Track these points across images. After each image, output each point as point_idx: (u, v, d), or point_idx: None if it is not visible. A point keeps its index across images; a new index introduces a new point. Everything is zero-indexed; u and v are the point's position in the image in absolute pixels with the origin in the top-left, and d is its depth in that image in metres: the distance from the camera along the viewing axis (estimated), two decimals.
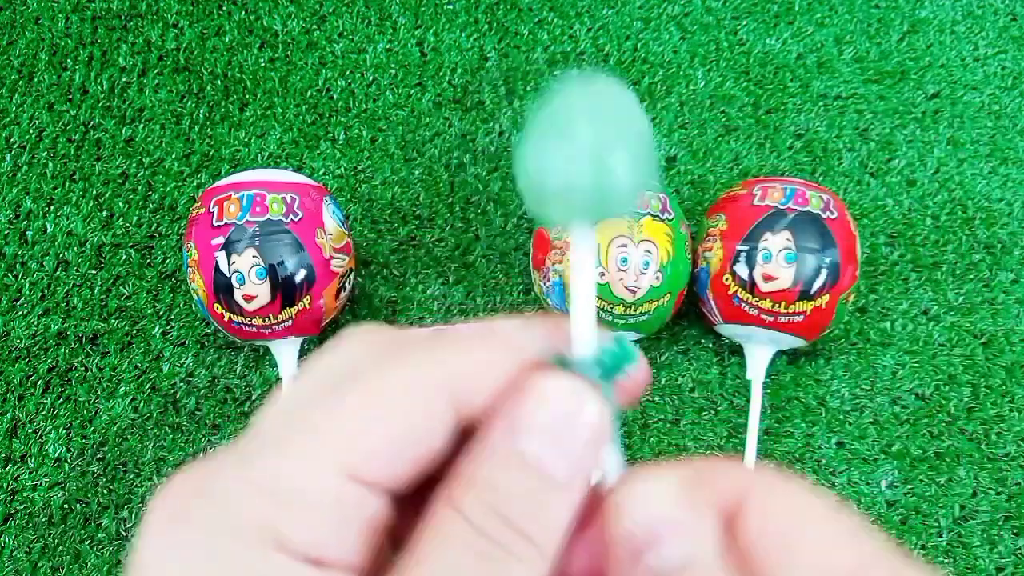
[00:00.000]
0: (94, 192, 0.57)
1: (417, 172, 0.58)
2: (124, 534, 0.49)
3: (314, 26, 0.63)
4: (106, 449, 0.51)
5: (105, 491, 0.50)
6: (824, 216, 0.47)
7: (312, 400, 0.16)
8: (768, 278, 0.46)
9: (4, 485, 0.50)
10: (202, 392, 0.52)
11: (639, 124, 0.17)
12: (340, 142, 0.59)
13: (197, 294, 0.47)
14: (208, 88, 0.61)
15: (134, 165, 0.58)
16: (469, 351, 0.17)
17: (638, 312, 0.47)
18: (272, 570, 0.14)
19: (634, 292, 0.46)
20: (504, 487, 0.15)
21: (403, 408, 0.16)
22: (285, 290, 0.46)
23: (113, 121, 0.60)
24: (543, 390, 0.16)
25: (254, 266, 0.45)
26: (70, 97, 0.60)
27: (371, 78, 0.61)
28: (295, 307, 0.46)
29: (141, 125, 0.59)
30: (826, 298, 0.46)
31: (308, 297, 0.47)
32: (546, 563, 0.16)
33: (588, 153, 0.16)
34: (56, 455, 0.51)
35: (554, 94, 0.17)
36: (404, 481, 0.16)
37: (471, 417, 0.17)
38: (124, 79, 0.61)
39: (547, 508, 0.16)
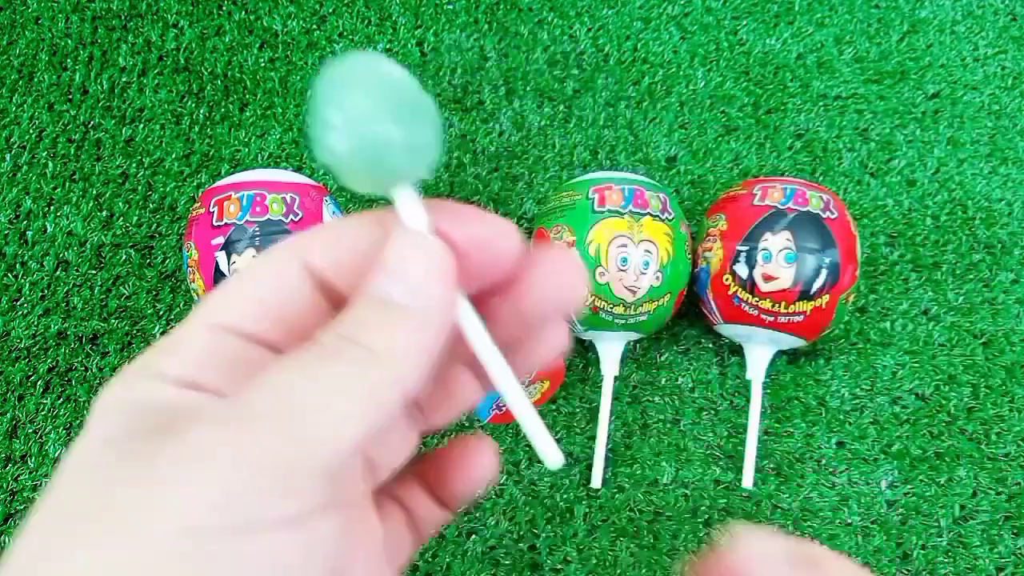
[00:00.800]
0: (94, 192, 0.57)
1: None
2: None
3: (314, 26, 0.63)
4: None
5: None
6: (824, 216, 0.47)
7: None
8: (768, 278, 0.46)
9: (4, 485, 0.50)
10: None
11: (406, 84, 0.19)
12: None
13: (197, 294, 0.47)
14: (208, 88, 0.61)
15: (134, 165, 0.58)
16: (324, 228, 0.20)
17: (638, 312, 0.47)
18: (154, 390, 0.17)
19: (634, 292, 0.46)
20: (350, 320, 0.18)
21: (259, 272, 0.19)
22: None
23: (113, 121, 0.60)
24: (389, 243, 0.18)
25: None
26: (70, 97, 0.60)
27: None
28: None
29: (141, 125, 0.59)
30: (826, 298, 0.46)
31: None
32: (381, 371, 0.17)
33: (364, 110, 0.18)
34: (56, 455, 0.51)
35: (325, 69, 0.18)
36: (272, 330, 0.19)
37: (326, 278, 0.19)
38: (124, 79, 0.61)
39: (392, 328, 0.17)
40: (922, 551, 0.49)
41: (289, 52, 0.62)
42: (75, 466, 0.16)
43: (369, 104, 0.18)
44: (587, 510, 0.50)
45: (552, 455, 0.20)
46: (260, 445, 0.15)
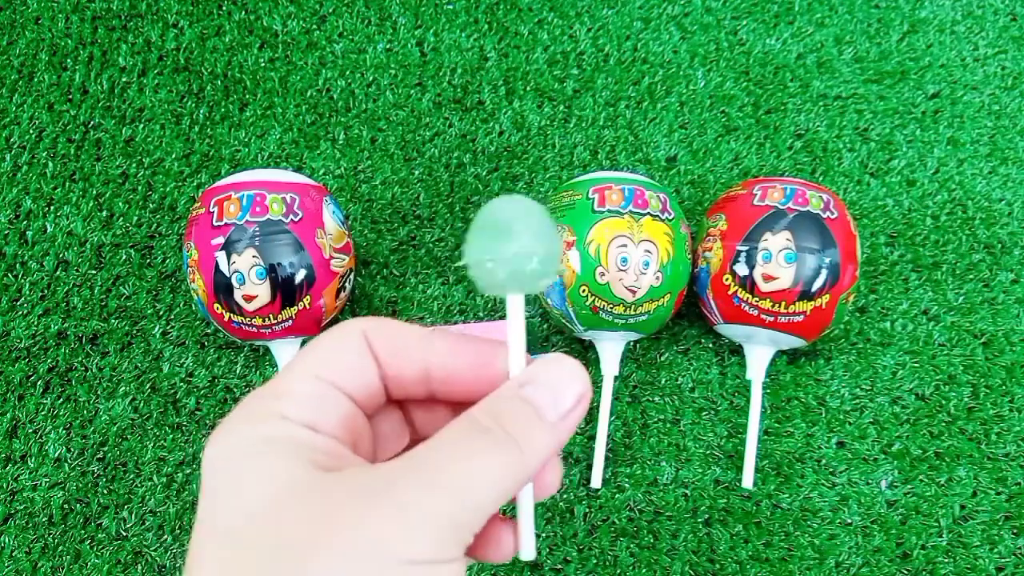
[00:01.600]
0: (94, 192, 0.57)
1: (417, 172, 0.58)
2: (124, 534, 0.49)
3: (314, 26, 0.63)
4: (106, 449, 0.51)
5: (105, 491, 0.50)
6: (824, 216, 0.47)
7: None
8: (768, 278, 0.46)
9: (4, 485, 0.50)
10: (202, 392, 0.52)
11: (549, 226, 0.24)
12: (340, 142, 0.59)
13: (197, 294, 0.47)
14: (208, 88, 0.61)
15: (134, 165, 0.58)
16: (383, 320, 0.24)
17: (638, 312, 0.47)
18: (280, 429, 0.21)
19: (634, 292, 0.46)
20: (505, 409, 0.22)
21: (343, 341, 0.23)
22: (285, 290, 0.46)
23: (113, 121, 0.60)
24: (555, 360, 0.23)
25: (254, 266, 0.45)
26: (70, 97, 0.60)
27: (371, 78, 0.61)
28: (295, 307, 0.46)
29: (141, 125, 0.59)
30: (826, 298, 0.46)
31: (308, 297, 0.47)
32: (523, 466, 0.21)
33: (514, 246, 0.23)
34: (56, 455, 0.51)
35: (486, 204, 0.24)
36: (358, 391, 0.23)
37: (383, 359, 0.24)
38: (124, 79, 0.61)
39: (536, 433, 0.22)
40: (922, 551, 0.49)
41: (289, 52, 0.62)
42: (277, 503, 0.19)
43: (516, 235, 0.23)
44: (587, 510, 0.50)
45: (528, 549, 0.24)
46: (447, 507, 0.20)
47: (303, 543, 0.19)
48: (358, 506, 0.19)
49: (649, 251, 0.47)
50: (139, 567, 0.49)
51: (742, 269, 0.47)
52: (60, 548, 0.49)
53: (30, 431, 0.52)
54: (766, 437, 0.51)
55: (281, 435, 0.21)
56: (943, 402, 0.52)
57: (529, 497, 0.24)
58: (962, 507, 0.50)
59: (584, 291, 0.47)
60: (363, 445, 0.23)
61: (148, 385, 0.52)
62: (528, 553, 0.24)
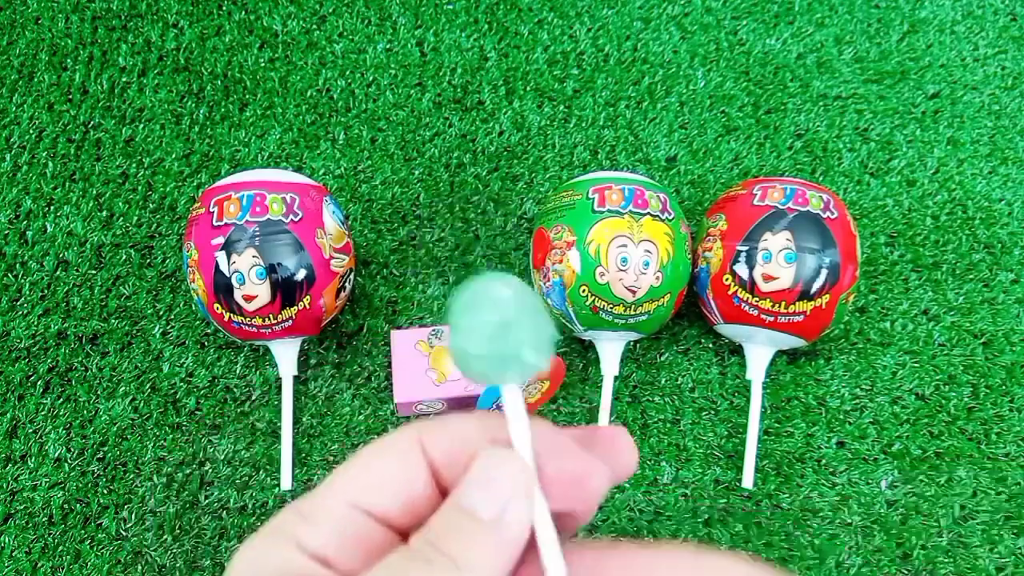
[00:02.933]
0: (94, 192, 0.57)
1: (417, 172, 0.58)
2: (124, 534, 0.49)
3: (314, 26, 0.63)
4: (106, 449, 0.51)
5: (105, 491, 0.50)
6: (824, 216, 0.47)
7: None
8: (768, 278, 0.46)
9: (4, 485, 0.50)
10: (202, 392, 0.52)
11: (538, 308, 0.22)
12: (340, 142, 0.59)
13: (197, 294, 0.47)
14: (208, 88, 0.61)
15: (134, 165, 0.58)
16: (442, 422, 0.22)
17: (638, 312, 0.47)
18: (288, 561, 0.20)
19: (634, 292, 0.46)
20: (440, 527, 0.20)
21: (387, 457, 0.21)
22: (285, 290, 0.46)
23: (113, 121, 0.60)
24: (487, 453, 0.21)
25: (254, 266, 0.45)
26: (70, 97, 0.60)
27: (371, 78, 0.61)
28: (295, 307, 0.46)
29: (141, 125, 0.59)
30: (826, 298, 0.46)
31: (308, 297, 0.47)
32: None
33: (501, 334, 0.21)
34: (56, 455, 0.51)
35: (467, 288, 0.22)
36: (397, 512, 0.21)
37: (443, 468, 0.22)
38: (124, 79, 0.61)
39: (475, 541, 0.20)
40: (922, 551, 0.49)
41: (289, 52, 0.62)
42: None
43: (494, 321, 0.21)
44: None
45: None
46: None
47: None
48: None
49: (649, 251, 0.47)
50: (139, 567, 0.49)
51: (742, 269, 0.47)
52: (60, 548, 0.49)
53: (30, 431, 0.52)
54: (766, 437, 0.51)
55: (283, 569, 0.20)
56: (943, 402, 0.52)
57: (547, 529, 0.21)
58: (962, 507, 0.50)
59: (584, 291, 0.47)
60: None
61: (148, 385, 0.52)
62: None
